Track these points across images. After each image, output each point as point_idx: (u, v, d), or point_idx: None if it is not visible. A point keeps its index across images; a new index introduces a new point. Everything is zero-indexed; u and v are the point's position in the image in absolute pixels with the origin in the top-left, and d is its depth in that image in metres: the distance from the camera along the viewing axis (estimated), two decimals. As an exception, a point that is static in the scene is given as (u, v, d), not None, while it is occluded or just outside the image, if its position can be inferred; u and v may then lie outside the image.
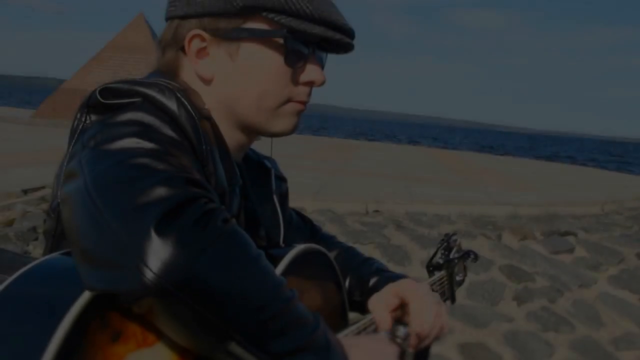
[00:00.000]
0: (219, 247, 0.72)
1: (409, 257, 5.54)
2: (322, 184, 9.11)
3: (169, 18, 1.03)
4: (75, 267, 0.74)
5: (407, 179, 10.95)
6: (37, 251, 4.73)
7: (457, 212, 7.49)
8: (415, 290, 1.11)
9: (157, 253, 0.68)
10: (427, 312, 1.08)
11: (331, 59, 1.11)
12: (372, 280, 1.25)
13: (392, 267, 5.44)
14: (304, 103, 1.06)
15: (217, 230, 0.73)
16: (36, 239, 5.02)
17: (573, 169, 20.05)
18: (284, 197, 1.28)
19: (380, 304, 1.11)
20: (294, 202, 1.37)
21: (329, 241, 1.37)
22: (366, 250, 5.50)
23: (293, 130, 1.08)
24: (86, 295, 0.72)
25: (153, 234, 0.69)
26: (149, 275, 0.68)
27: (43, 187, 6.79)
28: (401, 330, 1.07)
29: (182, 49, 1.01)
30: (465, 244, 1.54)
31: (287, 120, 1.05)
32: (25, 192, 6.53)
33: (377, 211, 7.34)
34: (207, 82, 1.01)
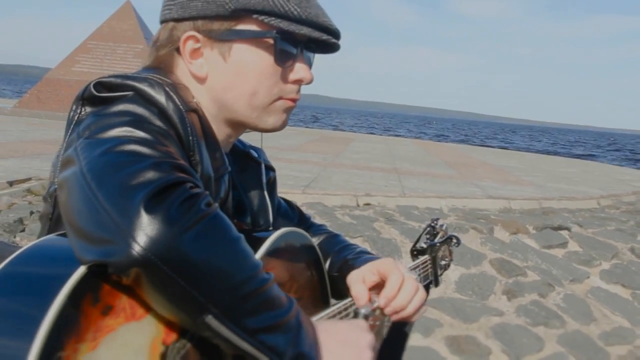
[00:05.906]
0: (202, 226, 0.82)
1: (399, 250, 5.64)
2: (313, 176, 9.20)
3: (164, 21, 1.13)
4: (69, 246, 0.84)
5: (399, 172, 11.06)
6: (24, 243, 4.80)
7: (449, 206, 7.59)
8: (395, 266, 1.19)
9: (145, 229, 0.78)
10: (406, 284, 1.16)
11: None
12: (353, 260, 1.31)
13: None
14: (294, 100, 1.15)
15: (200, 211, 0.83)
16: (23, 231, 5.09)
17: (572, 162, 20.17)
18: (271, 186, 1.37)
19: (359, 279, 1.20)
20: (283, 195, 1.45)
21: (316, 228, 1.46)
22: (355, 243, 5.59)
23: (283, 126, 1.17)
24: (79, 272, 0.81)
25: (142, 212, 0.79)
26: (137, 248, 0.77)
27: (29, 179, 6.85)
28: (377, 302, 1.12)
29: (177, 49, 1.10)
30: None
31: (277, 117, 1.15)
32: (10, 183, 6.60)
33: (367, 204, 7.45)
34: (200, 80, 1.11)
